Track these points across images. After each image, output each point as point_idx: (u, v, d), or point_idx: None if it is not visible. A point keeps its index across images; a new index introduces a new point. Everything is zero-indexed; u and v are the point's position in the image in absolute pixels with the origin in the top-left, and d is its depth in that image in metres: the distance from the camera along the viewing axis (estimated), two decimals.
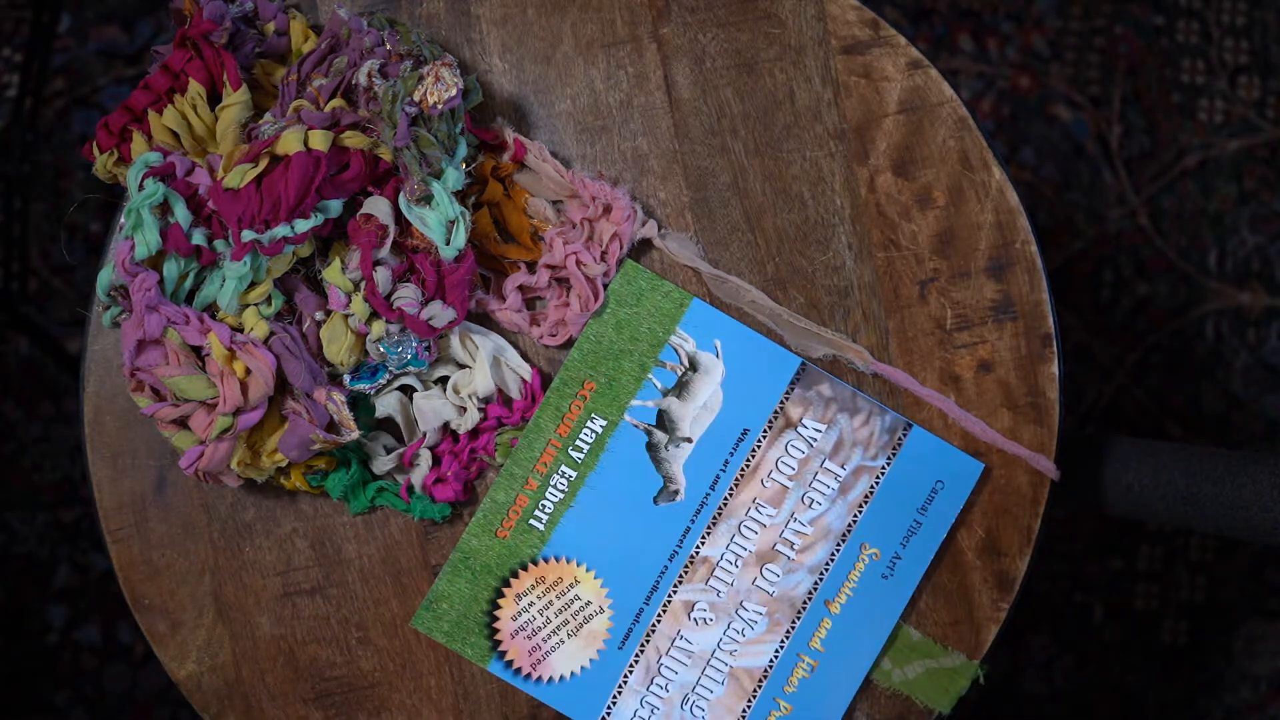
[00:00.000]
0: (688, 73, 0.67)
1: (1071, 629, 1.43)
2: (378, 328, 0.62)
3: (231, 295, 0.60)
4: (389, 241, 0.61)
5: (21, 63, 1.17)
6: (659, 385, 0.66)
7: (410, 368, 0.63)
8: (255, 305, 0.61)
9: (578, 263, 0.64)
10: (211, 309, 0.61)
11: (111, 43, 1.40)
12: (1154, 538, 1.43)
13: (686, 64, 0.67)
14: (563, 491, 0.65)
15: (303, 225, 0.59)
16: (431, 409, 0.64)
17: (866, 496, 0.66)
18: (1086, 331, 1.43)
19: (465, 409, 0.65)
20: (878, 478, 0.66)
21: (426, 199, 0.61)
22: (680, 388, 0.65)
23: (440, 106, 0.60)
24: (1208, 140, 1.45)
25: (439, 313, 0.62)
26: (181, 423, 0.60)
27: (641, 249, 0.67)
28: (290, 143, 0.58)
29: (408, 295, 0.61)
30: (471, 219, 0.62)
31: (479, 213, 0.65)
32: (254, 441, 0.61)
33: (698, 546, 0.66)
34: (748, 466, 0.66)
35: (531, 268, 0.66)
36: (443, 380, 0.65)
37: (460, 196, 0.62)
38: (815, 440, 0.66)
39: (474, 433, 0.65)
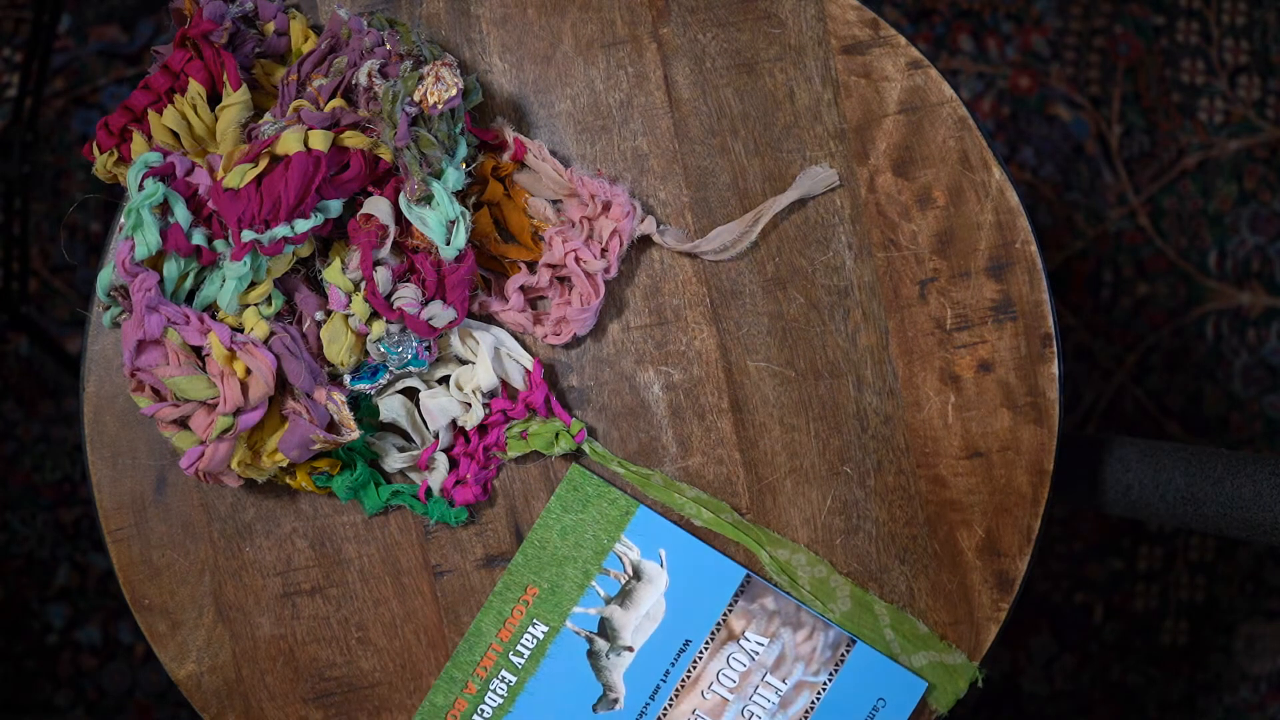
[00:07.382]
0: (688, 73, 0.67)
1: (1071, 629, 1.43)
2: (378, 328, 0.62)
3: (231, 295, 0.60)
4: (389, 241, 0.61)
5: (21, 63, 1.17)
6: (602, 592, 0.66)
7: (411, 368, 0.63)
8: (255, 305, 0.61)
9: (577, 259, 0.64)
10: (211, 309, 0.61)
11: (111, 43, 1.40)
12: (1154, 538, 1.43)
13: (686, 64, 0.67)
14: (502, 696, 0.66)
15: (303, 225, 0.59)
16: (439, 407, 0.64)
17: (807, 712, 0.66)
18: (1086, 331, 1.43)
19: (470, 405, 0.65)
20: (819, 693, 0.66)
21: (426, 199, 0.61)
22: (623, 596, 0.66)
23: (440, 106, 0.60)
24: (1208, 140, 1.45)
25: (439, 313, 0.62)
26: (181, 423, 0.60)
27: (639, 255, 0.67)
28: (290, 143, 0.58)
29: (408, 295, 0.61)
30: (472, 219, 0.62)
31: (479, 213, 0.65)
32: (254, 441, 0.61)
33: None
34: (689, 677, 0.66)
35: (532, 268, 0.66)
36: (445, 378, 0.65)
37: (460, 196, 0.62)
38: (757, 654, 0.66)
39: (483, 430, 0.65)
